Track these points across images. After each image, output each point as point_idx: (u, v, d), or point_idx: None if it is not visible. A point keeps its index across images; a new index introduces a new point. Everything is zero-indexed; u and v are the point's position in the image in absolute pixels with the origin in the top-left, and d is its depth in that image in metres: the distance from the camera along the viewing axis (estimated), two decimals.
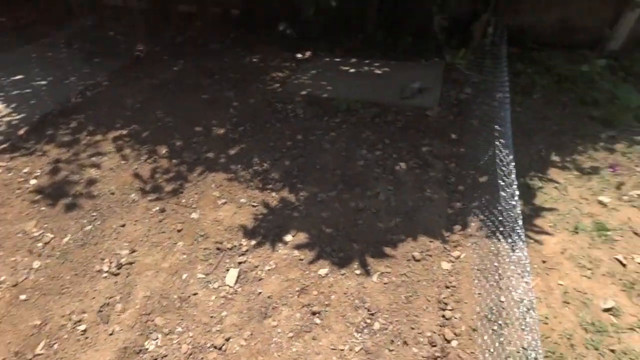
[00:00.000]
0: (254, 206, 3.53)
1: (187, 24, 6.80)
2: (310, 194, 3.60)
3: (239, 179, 3.79)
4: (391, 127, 4.38)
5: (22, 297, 2.91)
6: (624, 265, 2.83)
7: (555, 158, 3.75)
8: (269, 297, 2.85)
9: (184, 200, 3.59)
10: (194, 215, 3.45)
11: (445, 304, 2.73)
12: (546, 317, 2.61)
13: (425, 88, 4.89)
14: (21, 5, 7.33)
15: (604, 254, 2.92)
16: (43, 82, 5.31)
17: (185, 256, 3.14)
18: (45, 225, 3.41)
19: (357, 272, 2.97)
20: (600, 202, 3.26)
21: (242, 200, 3.59)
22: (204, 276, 3.01)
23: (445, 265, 2.95)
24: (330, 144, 4.16)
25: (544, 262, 2.87)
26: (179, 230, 3.33)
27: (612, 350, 2.42)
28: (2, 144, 4.25)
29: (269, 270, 3.02)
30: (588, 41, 5.56)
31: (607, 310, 2.60)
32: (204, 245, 3.21)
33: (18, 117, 4.68)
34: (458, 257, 2.99)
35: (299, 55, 5.89)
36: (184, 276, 3.01)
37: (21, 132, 4.42)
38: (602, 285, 2.76)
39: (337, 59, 5.72)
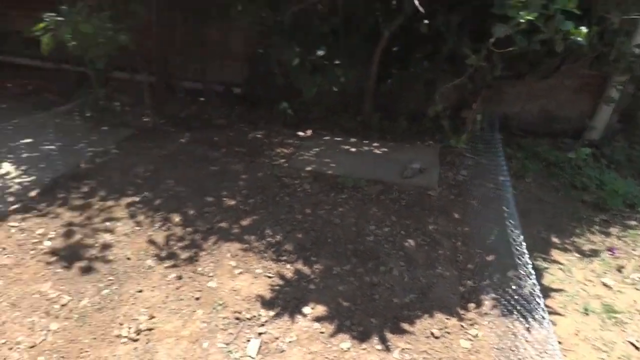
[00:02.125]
0: (269, 277, 3.61)
1: (191, 99, 7.12)
2: (325, 267, 3.71)
3: (254, 250, 3.88)
4: (396, 205, 4.61)
5: (40, 359, 2.83)
6: (637, 348, 2.99)
7: (555, 240, 4.02)
8: None
9: (200, 269, 3.64)
10: (212, 284, 3.49)
11: None
12: None
13: (424, 168, 5.21)
14: (28, 72, 7.55)
15: (617, 337, 3.09)
16: (52, 147, 5.40)
17: (205, 325, 3.14)
18: (62, 287, 3.38)
19: (378, 347, 3.03)
20: (605, 285, 3.49)
21: (258, 270, 3.66)
22: (224, 345, 3.01)
23: (465, 344, 3.05)
24: (339, 218, 4.33)
25: (560, 342, 3.01)
26: (197, 298, 3.35)
27: None
28: (13, 205, 4.26)
29: (290, 342, 3.05)
30: (570, 130, 6.11)
31: None
32: (223, 314, 3.23)
33: (29, 179, 4.71)
34: (476, 336, 3.11)
35: (301, 133, 6.21)
36: (205, 345, 3.00)
37: (33, 193, 4.45)
38: None
39: (338, 139, 6.05)
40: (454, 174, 5.27)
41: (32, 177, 4.76)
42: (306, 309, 3.30)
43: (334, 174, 5.10)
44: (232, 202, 4.53)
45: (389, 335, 3.11)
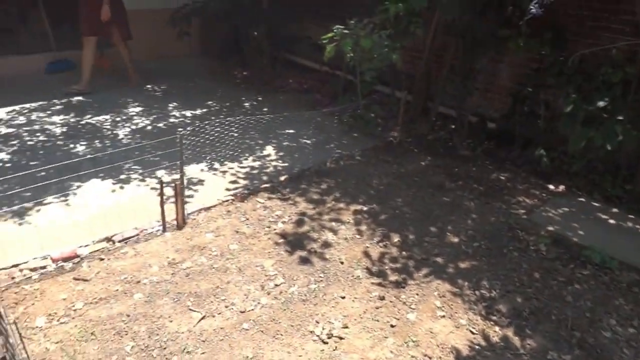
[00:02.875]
0: (472, 332, 3.28)
1: (442, 124, 7.05)
2: (540, 347, 3.19)
3: (464, 297, 3.59)
4: None
5: (245, 325, 3.15)
6: None
7: None
8: None
9: (404, 296, 3.54)
10: (411, 317, 3.35)
11: None
12: None
13: None
14: (308, 73, 8.60)
15: None
16: (308, 142, 6.02)
17: (392, 355, 3.03)
18: (280, 268, 3.71)
19: None
20: None
21: (462, 321, 3.37)
22: None
23: None
24: (572, 297, 3.68)
25: None
26: (392, 326, 3.26)
27: None
28: (265, 184, 4.87)
29: None
30: None
31: None
32: (412, 352, 3.07)
33: (282, 164, 5.35)
34: None
35: (551, 187, 5.52)
36: None
37: (282, 178, 5.03)
38: None
39: (595, 204, 5.18)
40: None
41: (285, 164, 5.38)
42: None
43: (579, 242, 4.38)
44: (455, 240, 4.29)
45: None
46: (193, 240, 3.96)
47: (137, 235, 3.95)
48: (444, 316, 3.40)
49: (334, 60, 5.81)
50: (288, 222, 4.30)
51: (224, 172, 5.10)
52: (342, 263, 3.83)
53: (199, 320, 3.16)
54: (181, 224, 4.08)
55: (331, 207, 4.61)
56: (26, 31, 8.07)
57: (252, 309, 3.30)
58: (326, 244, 4.05)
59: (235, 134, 5.63)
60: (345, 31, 5.43)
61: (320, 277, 3.67)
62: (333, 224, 4.35)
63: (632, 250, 4.34)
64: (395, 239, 4.21)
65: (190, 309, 3.25)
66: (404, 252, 4.04)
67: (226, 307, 3.30)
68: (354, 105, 6.57)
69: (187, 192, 4.46)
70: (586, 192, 5.45)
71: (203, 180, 4.89)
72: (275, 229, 4.19)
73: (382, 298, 3.51)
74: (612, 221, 4.85)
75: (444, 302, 3.52)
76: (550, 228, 4.58)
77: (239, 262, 3.74)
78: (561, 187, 5.51)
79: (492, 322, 3.38)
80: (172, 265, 3.66)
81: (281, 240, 4.04)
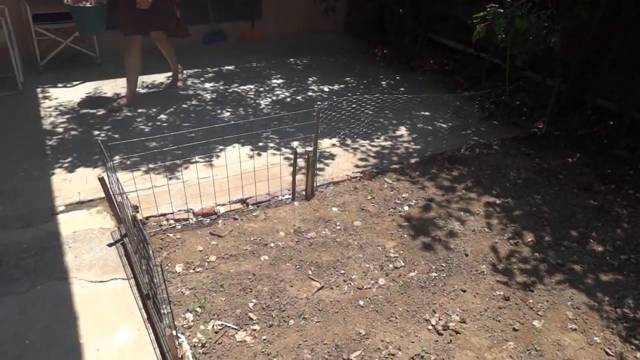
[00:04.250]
0: (607, 354, 2.95)
1: (597, 118, 6.31)
2: None
3: (601, 313, 3.24)
4: None
5: (361, 302, 3.20)
6: None
7: None
8: None
9: (531, 301, 3.30)
10: (537, 324, 3.12)
11: None
12: None
13: None
14: (451, 53, 8.22)
15: None
16: (444, 125, 5.81)
17: (509, 359, 2.86)
18: (402, 251, 3.68)
19: None
20: None
21: (596, 339, 3.05)
22: None
23: None
24: None
25: None
26: (515, 329, 3.07)
27: None
28: (394, 165, 4.83)
29: None
30: None
31: None
32: None
33: (414, 147, 5.24)
34: None
35: None
36: None
37: (413, 160, 4.93)
38: None
39: None
40: None
41: (418, 147, 5.26)
42: None
43: None
44: (599, 248, 3.86)
45: None
46: (319, 212, 4.09)
47: (269, 200, 4.19)
48: (575, 329, 3.10)
49: (481, 41, 5.46)
50: (414, 206, 4.23)
51: (355, 148, 5.16)
52: (466, 255, 3.68)
53: (317, 290, 3.28)
54: (310, 195, 4.23)
55: (461, 196, 4.42)
56: (190, 4, 8.85)
57: (369, 287, 3.33)
58: (452, 233, 3.91)
59: (370, 112, 5.63)
60: (500, 10, 5.06)
61: (442, 266, 3.56)
62: (461, 213, 4.17)
63: None
64: (529, 238, 3.91)
65: (310, 278, 3.39)
66: (536, 254, 3.75)
67: (344, 281, 3.37)
68: (498, 91, 6.15)
69: (318, 165, 4.59)
70: None
71: (334, 155, 5.00)
72: (400, 211, 4.15)
73: (506, 298, 3.31)
74: None
75: (577, 315, 3.21)
76: None
77: (360, 239, 3.78)
78: None
79: (633, 347, 3.01)
80: (298, 234, 3.82)
81: (405, 223, 4.00)
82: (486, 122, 6.02)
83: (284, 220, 3.98)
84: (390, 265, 3.53)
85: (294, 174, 4.09)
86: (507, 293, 3.35)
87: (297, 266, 3.49)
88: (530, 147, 5.48)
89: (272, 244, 3.69)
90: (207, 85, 6.66)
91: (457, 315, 3.15)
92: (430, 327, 3.06)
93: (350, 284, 3.36)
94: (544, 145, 5.57)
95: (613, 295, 3.40)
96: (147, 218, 3.86)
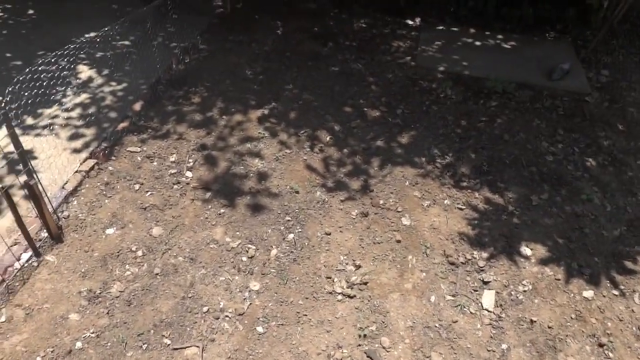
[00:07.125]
0: (460, 209, 3.09)
1: None
2: (520, 196, 3.19)
3: (430, 175, 3.31)
4: (553, 114, 3.99)
5: (259, 329, 2.37)
6: None
7: None
8: (549, 327, 2.47)
9: (382, 201, 3.08)
10: (406, 222, 2.96)
11: None
12: None
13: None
14: None
15: None
16: (127, 43, 4.46)
17: (424, 274, 2.68)
18: (237, 232, 2.82)
19: (615, 292, 2.65)
20: None
21: (446, 202, 3.13)
22: (452, 298, 2.58)
23: None
24: (507, 134, 3.72)
25: None
26: (398, 241, 2.84)
27: None
28: (121, 123, 3.49)
29: (525, 291, 2.63)
30: None
31: None
32: (435, 259, 2.77)
33: (119, 87, 3.88)
34: None
35: (409, 22, 5.29)
36: (432, 299, 2.57)
37: (136, 106, 3.67)
38: None
39: (454, 29, 5.17)
40: (595, 74, 4.57)
41: (123, 85, 3.93)
42: (524, 250, 2.84)
43: (472, 75, 4.36)
44: (377, 114, 3.84)
45: (618, 278, 2.73)
46: (95, 249, 2.68)
47: (3, 282, 2.49)
48: (429, 205, 3.09)
49: None
50: (196, 167, 3.24)
51: (51, 128, 3.47)
52: (296, 192, 3.10)
53: None
54: (56, 233, 2.68)
55: (227, 124, 3.60)
56: None
57: (250, 303, 2.49)
58: (261, 175, 3.20)
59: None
60: None
61: (288, 220, 2.93)
62: (248, 145, 3.43)
63: (509, 67, 4.51)
64: (324, 136, 3.57)
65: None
66: (344, 150, 3.47)
67: (217, 318, 2.40)
68: None
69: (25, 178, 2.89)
70: (439, 19, 5.38)
71: (34, 152, 3.25)
72: (187, 182, 3.11)
73: (365, 215, 3.00)
74: (477, 43, 4.93)
75: (421, 190, 3.20)
76: (441, 68, 4.44)
77: (183, 252, 2.71)
78: (417, 20, 5.32)
79: (468, 190, 3.22)
80: (93, 304, 2.44)
81: (207, 195, 3.03)
82: (168, 21, 4.89)
83: (58, 298, 2.46)
84: (244, 259, 2.68)
85: (18, 220, 2.45)
86: (361, 208, 3.03)
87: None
88: (235, 32, 4.82)
89: None
90: None
91: (349, 265, 2.69)
92: (339, 297, 2.54)
93: (227, 317, 2.41)
94: (243, 24, 4.96)
95: (422, 153, 3.48)
96: None
